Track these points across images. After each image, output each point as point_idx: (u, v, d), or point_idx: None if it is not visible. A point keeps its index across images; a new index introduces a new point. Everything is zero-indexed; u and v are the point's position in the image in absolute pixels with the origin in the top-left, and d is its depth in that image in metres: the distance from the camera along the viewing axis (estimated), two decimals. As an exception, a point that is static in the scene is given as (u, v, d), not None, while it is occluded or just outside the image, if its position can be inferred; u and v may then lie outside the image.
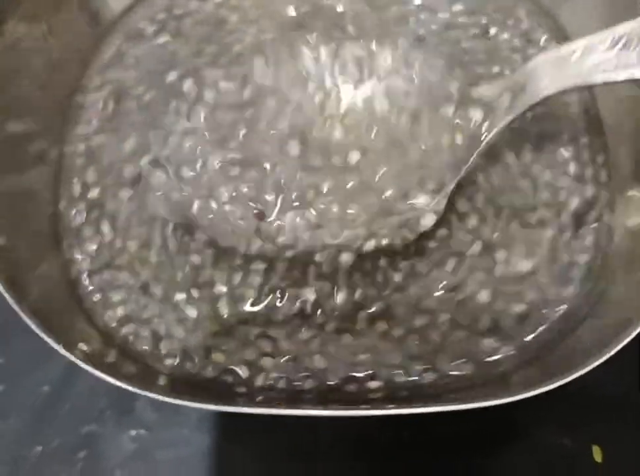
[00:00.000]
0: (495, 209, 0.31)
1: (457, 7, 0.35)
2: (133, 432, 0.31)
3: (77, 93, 0.34)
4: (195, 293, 0.30)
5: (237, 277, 0.30)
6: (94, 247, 0.31)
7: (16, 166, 0.31)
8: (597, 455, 0.30)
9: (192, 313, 0.30)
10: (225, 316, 0.30)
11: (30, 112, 0.32)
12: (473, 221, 0.31)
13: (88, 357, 0.26)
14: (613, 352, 0.25)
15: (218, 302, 0.30)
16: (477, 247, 0.30)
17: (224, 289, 0.30)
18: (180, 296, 0.30)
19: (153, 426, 0.31)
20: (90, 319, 0.30)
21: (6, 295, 0.26)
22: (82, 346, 0.27)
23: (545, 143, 0.32)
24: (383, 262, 0.30)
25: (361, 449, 0.31)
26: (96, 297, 0.30)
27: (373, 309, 0.29)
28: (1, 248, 0.28)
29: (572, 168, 0.32)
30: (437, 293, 0.30)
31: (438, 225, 0.30)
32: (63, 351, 0.25)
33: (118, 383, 0.25)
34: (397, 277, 0.30)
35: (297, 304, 0.29)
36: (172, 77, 0.33)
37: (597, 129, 0.33)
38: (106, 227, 0.31)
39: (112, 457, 0.31)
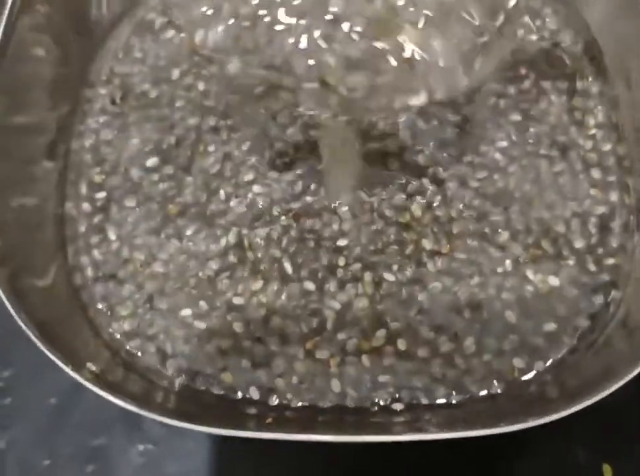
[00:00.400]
0: (526, 224, 0.31)
1: None
2: (141, 447, 0.31)
3: (85, 86, 0.33)
4: (204, 305, 0.29)
5: (258, 285, 0.30)
6: (100, 254, 0.31)
7: (25, 159, 0.30)
8: (607, 473, 0.30)
9: (200, 325, 0.29)
10: (239, 331, 0.29)
11: (39, 104, 0.31)
12: (504, 236, 0.30)
13: (96, 377, 0.26)
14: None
15: (231, 314, 0.29)
16: (507, 265, 0.30)
17: (240, 300, 0.29)
18: (187, 311, 0.29)
19: (161, 440, 0.31)
20: (96, 330, 0.29)
21: (9, 307, 0.26)
22: (91, 366, 0.26)
23: (571, 152, 0.32)
24: (408, 274, 0.30)
25: (366, 466, 0.30)
26: (101, 306, 0.30)
27: (393, 327, 0.29)
28: (4, 251, 0.27)
29: (596, 174, 0.31)
30: (463, 312, 0.29)
31: (469, 235, 0.30)
32: (72, 373, 0.25)
33: (126, 405, 0.25)
34: (422, 296, 0.29)
35: (317, 318, 0.29)
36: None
37: (621, 136, 0.32)
38: (112, 234, 0.31)
39: (121, 471, 0.30)
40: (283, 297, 0.29)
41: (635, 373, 0.24)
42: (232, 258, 0.30)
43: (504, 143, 0.32)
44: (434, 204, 0.31)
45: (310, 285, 0.30)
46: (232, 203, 0.31)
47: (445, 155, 0.32)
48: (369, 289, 0.29)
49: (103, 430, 0.31)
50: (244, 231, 0.31)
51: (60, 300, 0.29)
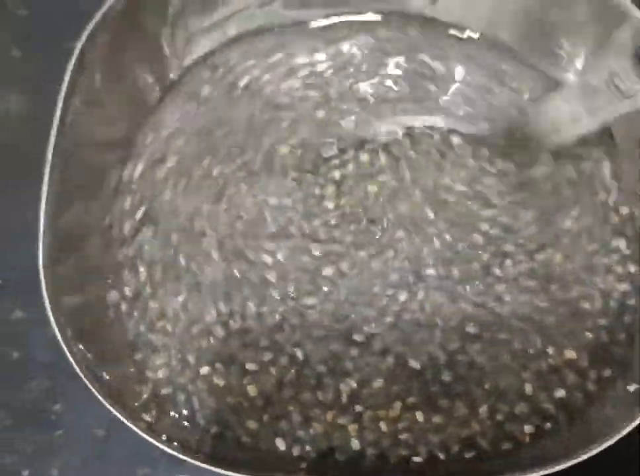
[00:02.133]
0: (552, 300, 0.34)
1: None
2: (182, 477, 0.35)
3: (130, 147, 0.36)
4: (220, 367, 0.33)
5: (267, 355, 0.33)
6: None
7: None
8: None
9: (220, 382, 0.33)
10: (253, 395, 0.32)
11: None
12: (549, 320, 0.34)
13: (150, 427, 0.30)
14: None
15: (246, 378, 0.33)
16: (537, 343, 0.33)
17: (253, 366, 0.33)
18: (205, 369, 0.33)
19: (201, 471, 0.35)
20: (140, 377, 0.33)
21: (73, 364, 0.29)
22: (146, 417, 0.31)
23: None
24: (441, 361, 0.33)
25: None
26: (138, 355, 0.34)
27: (410, 401, 0.32)
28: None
29: (622, 245, 0.35)
30: (484, 385, 0.33)
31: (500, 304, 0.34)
32: (130, 425, 0.29)
33: (178, 455, 0.29)
34: (447, 375, 0.33)
35: (331, 393, 0.32)
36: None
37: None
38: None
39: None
40: (293, 371, 0.33)
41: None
42: (234, 324, 0.33)
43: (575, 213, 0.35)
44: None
45: (322, 368, 0.33)
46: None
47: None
48: (389, 374, 0.32)
49: (147, 461, 0.35)
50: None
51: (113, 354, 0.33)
